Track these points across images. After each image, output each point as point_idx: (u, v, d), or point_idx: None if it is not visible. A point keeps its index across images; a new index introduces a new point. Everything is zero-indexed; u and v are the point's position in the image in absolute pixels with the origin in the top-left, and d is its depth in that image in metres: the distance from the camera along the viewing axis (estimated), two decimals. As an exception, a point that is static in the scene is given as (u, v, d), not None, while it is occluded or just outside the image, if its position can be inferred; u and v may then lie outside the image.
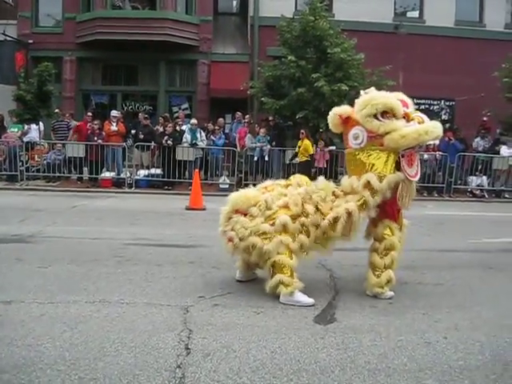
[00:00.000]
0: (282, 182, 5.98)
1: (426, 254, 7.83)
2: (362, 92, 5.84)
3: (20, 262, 6.72)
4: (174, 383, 3.66)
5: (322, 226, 5.43)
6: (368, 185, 5.43)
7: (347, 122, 5.64)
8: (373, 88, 5.88)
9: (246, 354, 4.14)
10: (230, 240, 5.51)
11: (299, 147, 14.81)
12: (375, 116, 5.39)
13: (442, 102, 20.31)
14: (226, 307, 5.21)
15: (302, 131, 15.11)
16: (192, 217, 10.77)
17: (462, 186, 16.43)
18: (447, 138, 16.09)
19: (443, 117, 20.38)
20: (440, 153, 15.96)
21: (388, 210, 5.77)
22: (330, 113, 5.75)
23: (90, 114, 16.61)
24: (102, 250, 7.43)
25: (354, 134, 5.55)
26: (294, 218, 5.40)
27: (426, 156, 15.86)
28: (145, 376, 3.74)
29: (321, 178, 6.04)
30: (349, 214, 5.40)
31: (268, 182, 6.00)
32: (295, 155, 14.92)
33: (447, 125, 19.08)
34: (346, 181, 5.73)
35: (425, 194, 15.80)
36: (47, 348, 4.15)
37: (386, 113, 5.40)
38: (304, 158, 14.57)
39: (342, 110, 5.70)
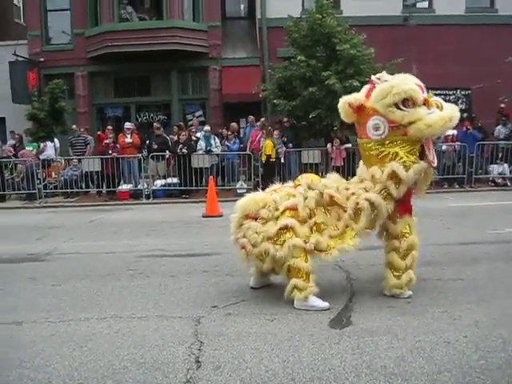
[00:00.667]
0: (291, 183, 5.82)
1: (446, 248, 7.62)
2: (373, 77, 5.54)
3: (34, 281, 6.71)
4: (183, 399, 3.57)
5: (345, 218, 5.30)
6: (393, 174, 5.27)
7: (360, 110, 5.42)
8: (384, 72, 5.62)
9: (258, 364, 4.03)
10: (243, 247, 5.39)
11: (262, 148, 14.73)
12: (396, 105, 5.17)
13: (458, 91, 19.89)
14: (239, 316, 5.11)
15: (263, 131, 15.15)
16: (208, 224, 10.67)
17: (483, 176, 16.10)
18: (465, 128, 15.80)
19: (460, 106, 19.84)
20: (458, 143, 15.66)
21: (406, 203, 5.61)
22: (341, 101, 5.54)
23: (110, 127, 16.63)
24: (116, 264, 7.38)
25: (374, 125, 5.31)
26: (304, 220, 5.27)
27: (444, 147, 15.59)
28: (153, 393, 3.66)
29: (331, 175, 5.94)
30: (371, 203, 5.25)
31: (276, 185, 5.86)
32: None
33: (464, 114, 18.85)
34: (364, 171, 5.56)
35: (445, 186, 15.53)
36: (56, 368, 4.10)
37: (407, 100, 5.18)
38: (264, 157, 14.33)
39: (353, 98, 5.47)
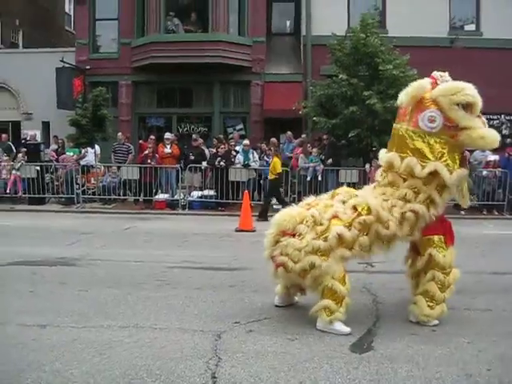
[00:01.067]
0: (325, 196, 5.77)
1: (478, 277, 7.42)
2: (436, 73, 5.54)
3: (62, 286, 6.82)
4: (194, 415, 3.55)
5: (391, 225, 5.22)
6: (435, 174, 5.23)
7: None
8: (447, 73, 5.58)
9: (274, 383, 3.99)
10: (280, 265, 5.22)
11: (269, 165, 14.45)
12: (460, 106, 5.16)
13: (502, 116, 19.56)
14: (261, 333, 5.08)
15: (270, 148, 14.94)
16: (240, 239, 10.68)
17: (524, 204, 15.70)
18: (507, 154, 15.47)
19: (503, 131, 19.56)
20: (500, 169, 15.34)
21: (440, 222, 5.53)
22: (414, 84, 5.41)
23: (152, 137, 16.87)
24: (144, 274, 7.45)
25: (430, 116, 5.24)
26: (349, 224, 5.14)
27: (485, 172, 15.29)
28: (166, 406, 3.65)
29: (366, 187, 5.97)
30: (416, 213, 5.23)
31: (310, 199, 5.78)
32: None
33: (508, 140, 18.48)
34: (398, 159, 5.37)
35: (484, 213, 15.20)
36: (73, 374, 4.14)
37: (469, 106, 5.19)
38: (272, 176, 13.96)
39: (423, 84, 5.38)
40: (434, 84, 5.39)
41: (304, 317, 5.33)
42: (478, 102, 5.20)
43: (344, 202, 5.39)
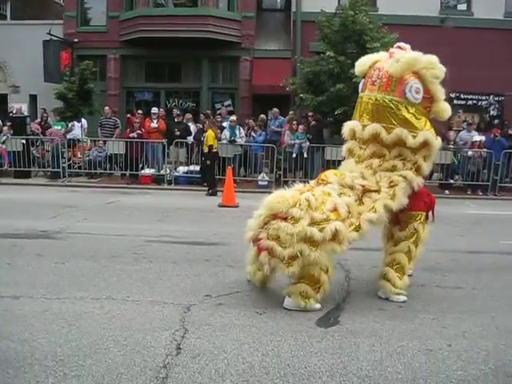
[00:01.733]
0: (313, 182, 5.66)
1: (453, 256, 7.54)
2: (404, 45, 5.78)
3: (39, 258, 6.86)
4: (155, 383, 3.62)
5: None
6: (424, 143, 5.38)
7: None
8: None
9: (237, 356, 4.08)
10: (264, 250, 5.03)
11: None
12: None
13: (491, 97, 19.59)
14: (230, 307, 5.16)
15: (205, 121, 14.95)
16: (223, 214, 10.73)
17: (508, 184, 15.79)
18: (493, 135, 15.53)
19: (492, 112, 19.70)
20: (485, 150, 15.42)
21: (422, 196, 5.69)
22: (410, 54, 5.49)
23: (140, 111, 16.86)
24: (122, 247, 7.50)
25: (416, 88, 5.35)
26: (344, 219, 5.07)
27: (470, 153, 15.36)
28: (128, 375, 3.74)
29: (347, 161, 5.86)
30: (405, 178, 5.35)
31: (299, 185, 5.56)
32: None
33: (496, 120, 18.55)
34: (384, 130, 5.37)
35: (468, 193, 15.30)
36: (41, 344, 4.21)
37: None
38: (206, 149, 13.69)
39: (415, 55, 5.48)
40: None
41: (275, 291, 5.43)
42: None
43: (340, 194, 5.28)
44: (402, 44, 5.87)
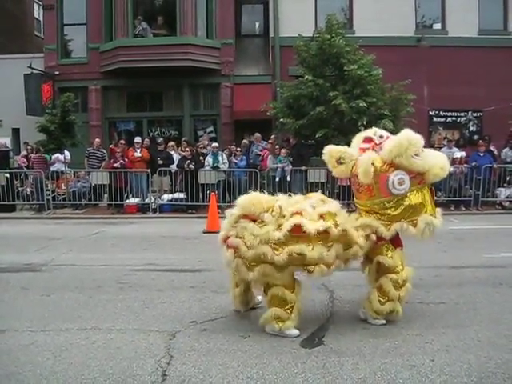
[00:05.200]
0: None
1: (436, 271, 7.62)
2: (370, 135, 5.61)
3: (25, 291, 6.86)
4: (141, 411, 3.65)
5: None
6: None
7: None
8: (375, 128, 5.82)
9: (222, 379, 4.11)
10: (232, 247, 5.05)
11: None
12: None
13: (470, 113, 19.93)
14: (214, 332, 5.19)
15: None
16: (207, 240, 10.71)
17: (490, 199, 16.00)
18: (482, 149, 15.89)
19: (471, 128, 20.01)
20: (466, 165, 15.65)
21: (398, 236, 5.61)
22: (364, 160, 5.28)
23: (122, 142, 16.93)
24: (107, 277, 7.51)
25: (399, 180, 5.23)
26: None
27: (451, 169, 15.52)
28: (114, 404, 3.74)
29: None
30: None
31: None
32: None
33: (475, 136, 18.86)
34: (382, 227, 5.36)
35: (452, 208, 15.44)
36: (27, 376, 4.22)
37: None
38: None
39: (372, 156, 5.33)
40: (375, 145, 5.47)
41: (259, 315, 5.44)
42: (421, 141, 5.26)
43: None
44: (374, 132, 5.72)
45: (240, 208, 5.20)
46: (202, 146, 16.76)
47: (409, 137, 5.21)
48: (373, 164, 5.24)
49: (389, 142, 5.34)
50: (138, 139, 16.49)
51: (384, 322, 5.40)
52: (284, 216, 5.05)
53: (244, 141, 17.43)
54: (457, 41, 19.21)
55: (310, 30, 17.16)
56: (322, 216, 5.11)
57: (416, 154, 5.17)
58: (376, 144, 5.48)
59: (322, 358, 4.51)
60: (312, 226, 4.93)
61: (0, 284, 7.24)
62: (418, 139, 5.20)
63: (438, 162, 5.32)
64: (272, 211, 5.07)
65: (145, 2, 20.02)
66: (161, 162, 15.55)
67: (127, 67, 18.57)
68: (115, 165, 15.66)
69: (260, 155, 16.40)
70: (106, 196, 16.02)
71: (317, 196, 5.60)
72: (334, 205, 5.38)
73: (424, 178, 5.32)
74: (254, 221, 5.07)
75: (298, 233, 4.92)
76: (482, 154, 15.91)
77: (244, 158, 16.20)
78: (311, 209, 5.17)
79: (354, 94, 14.59)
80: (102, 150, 17.03)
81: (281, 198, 5.38)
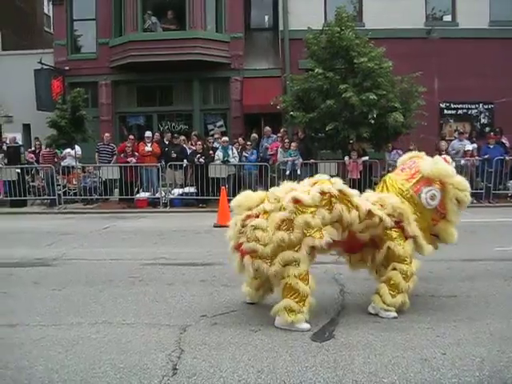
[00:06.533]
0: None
1: (447, 264, 7.57)
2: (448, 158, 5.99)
3: (36, 285, 6.90)
4: (152, 405, 3.65)
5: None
6: None
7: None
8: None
9: (232, 373, 4.10)
10: (248, 253, 5.03)
11: None
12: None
13: (481, 105, 19.75)
14: (225, 326, 5.18)
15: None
16: (217, 234, 10.67)
17: (502, 191, 15.89)
18: (491, 141, 15.83)
19: (482, 120, 19.85)
20: (477, 158, 15.56)
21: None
22: (446, 168, 5.61)
23: (131, 137, 16.94)
24: (118, 271, 7.54)
25: (432, 194, 5.51)
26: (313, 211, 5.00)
27: (462, 162, 15.43)
28: (125, 398, 3.75)
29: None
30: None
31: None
32: None
33: (487, 128, 18.71)
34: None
35: (463, 201, 15.31)
36: (38, 370, 4.23)
37: (460, 203, 5.72)
38: None
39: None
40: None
41: (270, 308, 5.42)
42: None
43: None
44: (447, 157, 6.14)
45: (235, 207, 5.30)
46: (211, 140, 16.73)
47: (467, 185, 5.72)
48: None
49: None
50: (148, 134, 16.56)
51: (396, 315, 5.37)
52: (279, 201, 5.08)
53: (253, 135, 17.42)
54: (467, 32, 19.00)
55: (319, 23, 17.06)
56: (314, 183, 5.22)
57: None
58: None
59: (332, 351, 4.50)
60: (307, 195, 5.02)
61: (11, 278, 7.30)
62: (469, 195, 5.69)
63: (455, 229, 5.90)
64: (268, 199, 5.18)
65: (154, -4, 20.01)
66: (174, 155, 15.57)
67: (137, 62, 18.58)
68: (129, 159, 15.68)
69: (268, 149, 16.40)
70: (116, 191, 16.06)
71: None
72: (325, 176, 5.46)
73: (440, 222, 5.73)
74: (258, 216, 5.10)
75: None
76: (491, 147, 15.81)
77: (254, 151, 16.19)
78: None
79: (364, 87, 14.50)
80: (113, 145, 17.12)
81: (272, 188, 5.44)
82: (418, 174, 5.63)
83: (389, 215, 5.34)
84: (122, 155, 16.10)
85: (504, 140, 16.55)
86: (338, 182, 5.32)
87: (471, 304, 5.84)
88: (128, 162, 15.63)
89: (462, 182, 5.63)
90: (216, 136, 16.24)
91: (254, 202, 5.21)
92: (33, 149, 17.70)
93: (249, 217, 5.15)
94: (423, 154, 6.16)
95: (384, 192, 5.75)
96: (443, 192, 5.52)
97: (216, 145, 16.36)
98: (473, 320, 5.27)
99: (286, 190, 5.20)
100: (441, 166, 5.57)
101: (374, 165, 15.60)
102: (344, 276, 6.78)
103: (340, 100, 14.56)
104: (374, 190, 6.11)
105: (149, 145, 16.17)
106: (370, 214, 5.26)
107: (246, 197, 5.31)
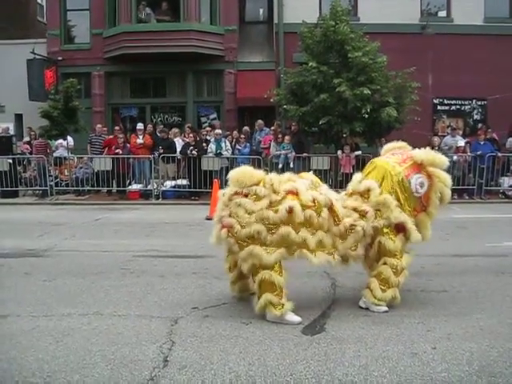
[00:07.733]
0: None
1: (438, 260, 7.62)
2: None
3: (27, 276, 6.88)
4: (143, 396, 3.65)
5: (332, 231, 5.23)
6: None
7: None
8: None
9: (223, 366, 4.10)
10: (226, 227, 5.03)
11: None
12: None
13: (474, 101, 19.81)
14: (216, 318, 5.19)
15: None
16: (210, 227, 10.64)
17: (494, 188, 15.96)
18: (482, 137, 15.85)
19: (475, 117, 19.91)
20: (469, 154, 15.60)
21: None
22: (442, 160, 5.61)
23: (117, 128, 16.85)
24: (109, 263, 7.52)
25: (421, 182, 5.47)
26: (305, 207, 4.99)
27: (455, 158, 15.46)
28: (115, 389, 3.75)
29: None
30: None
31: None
32: None
33: (479, 124, 18.75)
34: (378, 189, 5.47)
35: (455, 197, 15.34)
36: (28, 361, 4.22)
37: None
38: None
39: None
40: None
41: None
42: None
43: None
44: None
45: (233, 181, 5.17)
46: (205, 132, 16.70)
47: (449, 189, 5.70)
48: None
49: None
50: (140, 126, 16.49)
51: (386, 309, 5.38)
52: (275, 192, 5.04)
53: (245, 128, 17.39)
54: (462, 28, 19.04)
55: (314, 17, 17.07)
56: (314, 201, 5.10)
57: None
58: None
59: (323, 345, 4.51)
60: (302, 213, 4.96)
61: (2, 269, 7.27)
62: None
63: (429, 228, 5.76)
64: (264, 184, 5.07)
65: (149, -13, 19.91)
66: (161, 150, 15.51)
67: (130, 53, 18.52)
68: (116, 151, 15.64)
69: (261, 142, 16.40)
70: (114, 182, 15.96)
71: (309, 177, 5.53)
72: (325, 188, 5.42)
73: (418, 214, 5.61)
74: (246, 195, 5.04)
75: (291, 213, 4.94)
76: (482, 143, 15.87)
77: (247, 144, 16.17)
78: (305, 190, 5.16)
79: (358, 82, 14.50)
80: (105, 136, 17.03)
81: (272, 175, 5.34)
82: (410, 160, 5.60)
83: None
84: (107, 148, 16.04)
85: (495, 136, 16.61)
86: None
87: (462, 299, 5.86)
88: (117, 154, 15.54)
89: (448, 178, 5.62)
90: (217, 131, 16.10)
91: (249, 180, 5.07)
92: (27, 139, 17.57)
93: (237, 193, 5.09)
94: (406, 144, 6.13)
95: (372, 173, 5.68)
96: (429, 184, 5.50)
97: (209, 137, 16.30)
98: (463, 315, 5.30)
99: (286, 185, 5.13)
100: (435, 154, 5.59)
101: (367, 159, 15.56)
102: (335, 270, 6.76)
103: (334, 94, 14.56)
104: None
105: (140, 137, 16.09)
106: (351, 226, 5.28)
107: (243, 173, 5.16)
